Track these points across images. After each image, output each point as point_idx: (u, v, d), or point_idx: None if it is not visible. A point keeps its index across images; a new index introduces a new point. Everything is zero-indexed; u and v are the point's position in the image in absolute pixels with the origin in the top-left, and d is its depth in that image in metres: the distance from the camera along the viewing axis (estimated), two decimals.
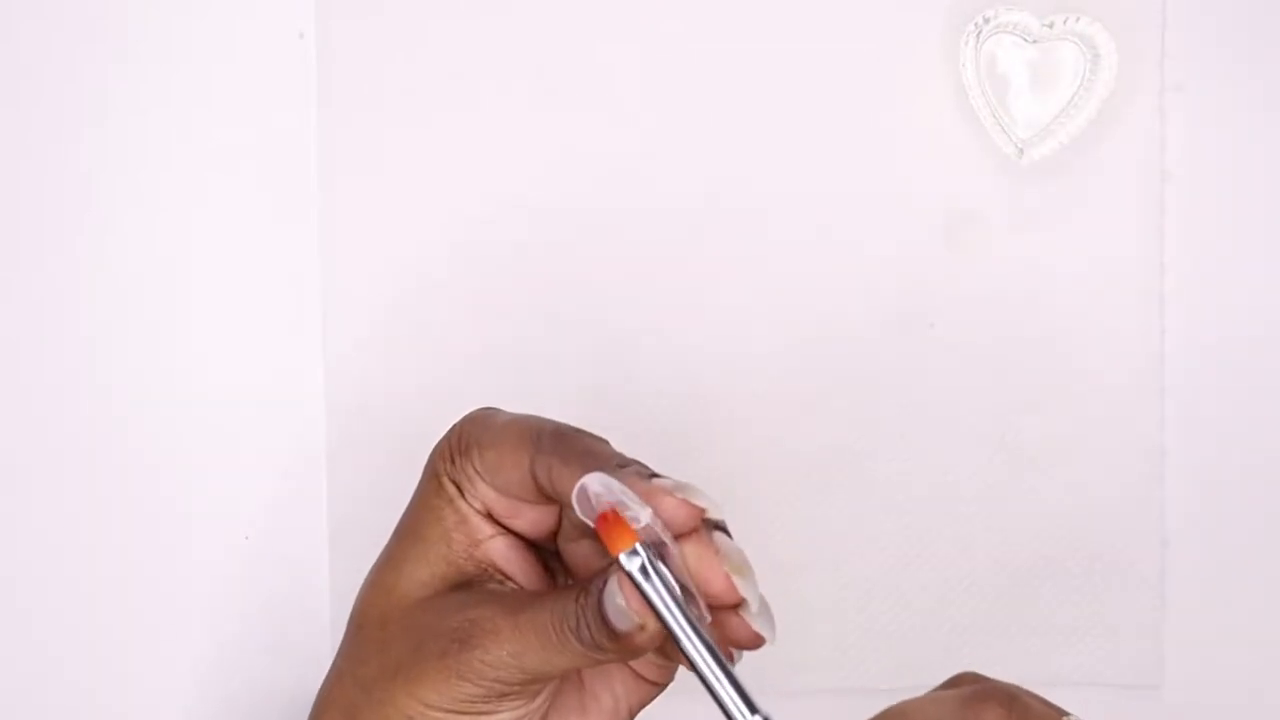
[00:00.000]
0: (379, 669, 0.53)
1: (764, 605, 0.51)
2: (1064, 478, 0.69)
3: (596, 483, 0.50)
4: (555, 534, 0.55)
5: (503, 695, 0.52)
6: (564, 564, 0.56)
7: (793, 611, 0.69)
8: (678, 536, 0.50)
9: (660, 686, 0.55)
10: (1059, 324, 0.70)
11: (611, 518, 0.49)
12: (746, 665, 0.51)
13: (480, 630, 0.52)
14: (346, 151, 0.70)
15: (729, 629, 0.51)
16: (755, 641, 0.51)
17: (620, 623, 0.50)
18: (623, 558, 0.49)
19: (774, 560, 0.69)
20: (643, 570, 0.49)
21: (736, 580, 0.50)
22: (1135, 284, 0.69)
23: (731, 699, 0.49)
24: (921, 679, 0.68)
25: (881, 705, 0.49)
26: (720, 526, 0.52)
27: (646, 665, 0.55)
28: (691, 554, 0.50)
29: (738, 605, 0.51)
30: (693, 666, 0.49)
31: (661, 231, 0.70)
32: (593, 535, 0.53)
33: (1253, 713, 0.70)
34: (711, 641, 0.49)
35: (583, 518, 0.50)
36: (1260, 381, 0.70)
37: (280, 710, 0.70)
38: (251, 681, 0.70)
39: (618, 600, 0.50)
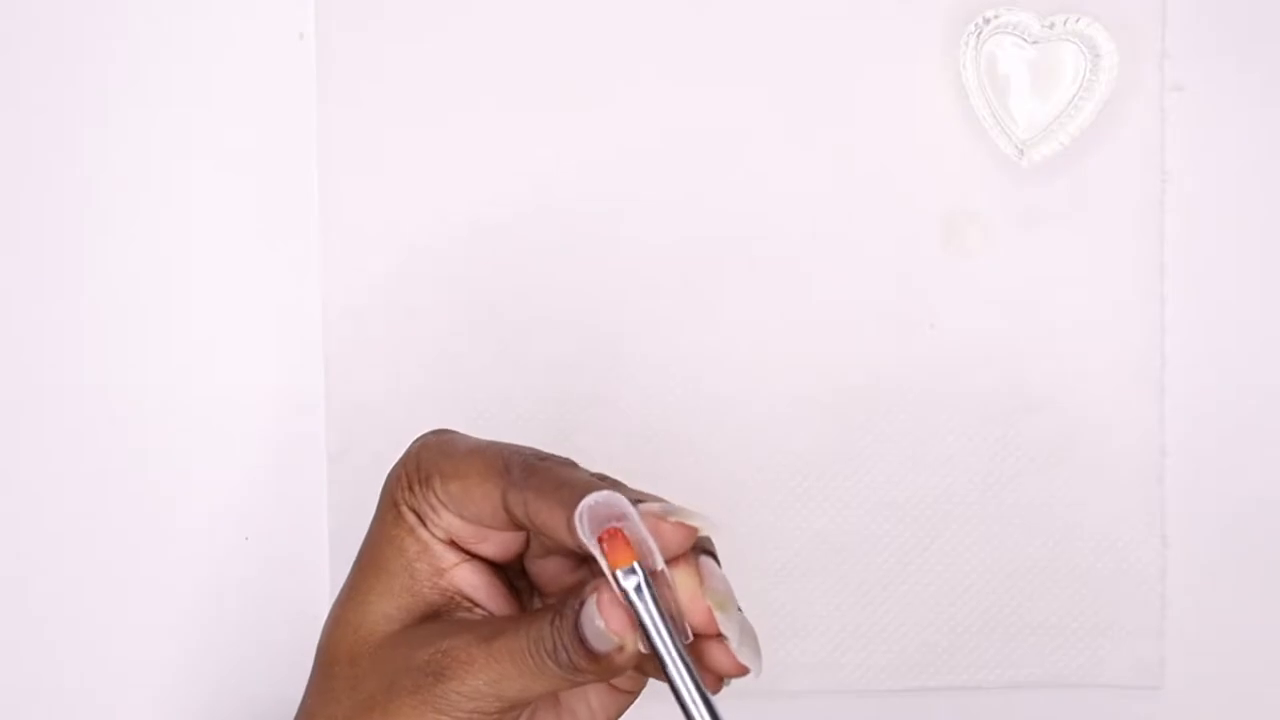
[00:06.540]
0: (351, 708, 0.52)
1: (749, 637, 0.50)
2: (1064, 478, 0.70)
3: (604, 505, 0.49)
4: (522, 554, 0.54)
5: None
6: (531, 583, 0.55)
7: (792, 612, 0.69)
8: (668, 561, 0.49)
9: (634, 694, 0.54)
10: (1059, 324, 0.70)
11: (614, 534, 0.48)
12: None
13: (454, 661, 0.51)
14: (346, 151, 0.70)
15: (714, 657, 0.50)
16: (739, 671, 0.50)
17: (599, 644, 0.49)
18: (620, 574, 0.48)
19: (774, 561, 0.69)
20: (638, 590, 0.48)
21: (718, 615, 0.49)
22: (1135, 284, 0.69)
23: None
24: (921, 679, 0.68)
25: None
26: (707, 550, 0.51)
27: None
28: (678, 582, 0.50)
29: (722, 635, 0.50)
30: (674, 692, 0.49)
31: (660, 232, 0.70)
32: (568, 552, 0.53)
33: (1253, 713, 0.70)
34: (696, 672, 0.49)
35: (584, 541, 0.49)
36: (1260, 381, 0.70)
37: (278, 711, 0.70)
38: (250, 682, 0.70)
39: (596, 623, 0.49)
